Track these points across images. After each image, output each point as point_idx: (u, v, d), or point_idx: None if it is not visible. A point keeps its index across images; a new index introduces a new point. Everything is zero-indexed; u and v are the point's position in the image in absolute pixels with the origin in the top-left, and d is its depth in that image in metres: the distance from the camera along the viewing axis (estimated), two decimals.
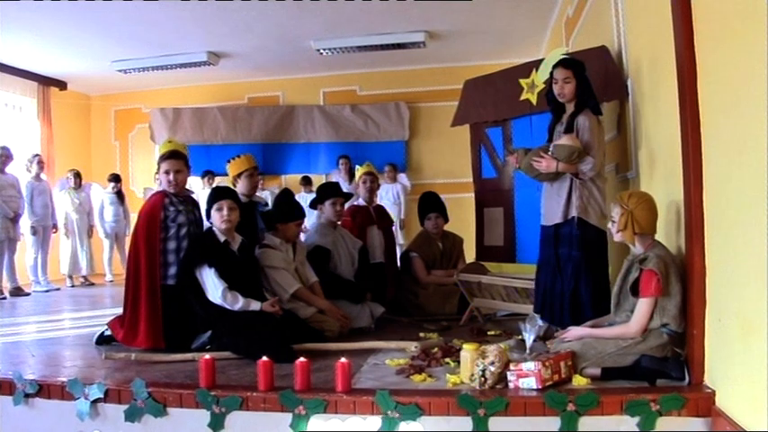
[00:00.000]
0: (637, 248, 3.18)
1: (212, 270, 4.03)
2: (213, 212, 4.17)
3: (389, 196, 8.98)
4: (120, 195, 9.30)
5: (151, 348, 4.01)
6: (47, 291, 8.09)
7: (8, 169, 7.63)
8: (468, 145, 5.56)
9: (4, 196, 7.43)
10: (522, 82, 4.86)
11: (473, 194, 5.55)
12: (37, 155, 8.35)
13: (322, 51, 8.49)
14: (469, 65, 8.76)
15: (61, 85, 9.99)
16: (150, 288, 4.13)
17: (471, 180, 5.56)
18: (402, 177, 9.55)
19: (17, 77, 9.14)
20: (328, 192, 5.16)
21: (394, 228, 6.37)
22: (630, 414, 2.76)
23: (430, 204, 5.76)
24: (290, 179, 10.01)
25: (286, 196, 4.93)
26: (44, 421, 3.30)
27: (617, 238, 3.22)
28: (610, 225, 3.26)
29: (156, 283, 4.14)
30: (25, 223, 7.92)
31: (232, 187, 4.64)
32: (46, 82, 9.64)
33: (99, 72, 9.31)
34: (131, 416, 3.11)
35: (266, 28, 7.66)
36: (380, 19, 7.44)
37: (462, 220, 6.30)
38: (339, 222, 5.25)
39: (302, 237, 5.29)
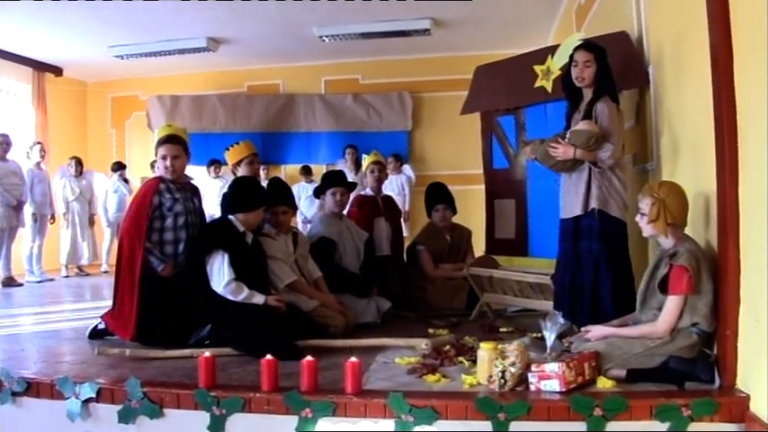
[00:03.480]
0: (666, 242, 3.02)
1: (226, 257, 3.84)
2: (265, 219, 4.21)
3: (393, 188, 8.78)
4: (127, 183, 9.33)
5: (140, 341, 3.87)
6: (40, 281, 7.94)
7: (9, 156, 7.50)
8: (474, 136, 5.44)
9: (5, 184, 7.32)
10: (537, 68, 4.71)
11: (478, 186, 5.46)
12: (38, 142, 8.32)
13: (324, 38, 8.34)
14: (473, 54, 8.54)
15: (57, 70, 9.83)
16: (132, 278, 3.95)
17: (476, 171, 5.49)
18: (406, 168, 9.36)
19: (11, 63, 8.97)
20: (330, 181, 5.04)
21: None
22: (660, 419, 2.63)
23: (437, 195, 5.58)
24: (291, 169, 9.88)
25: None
26: (32, 422, 3.14)
27: (647, 231, 3.06)
28: (638, 218, 3.10)
29: (136, 273, 3.93)
30: (27, 211, 7.80)
31: None
32: (41, 68, 9.49)
33: (95, 58, 9.16)
34: (125, 417, 2.96)
35: (268, 13, 7.50)
36: (385, 5, 7.29)
37: (467, 212, 6.16)
38: (344, 213, 5.11)
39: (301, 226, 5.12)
